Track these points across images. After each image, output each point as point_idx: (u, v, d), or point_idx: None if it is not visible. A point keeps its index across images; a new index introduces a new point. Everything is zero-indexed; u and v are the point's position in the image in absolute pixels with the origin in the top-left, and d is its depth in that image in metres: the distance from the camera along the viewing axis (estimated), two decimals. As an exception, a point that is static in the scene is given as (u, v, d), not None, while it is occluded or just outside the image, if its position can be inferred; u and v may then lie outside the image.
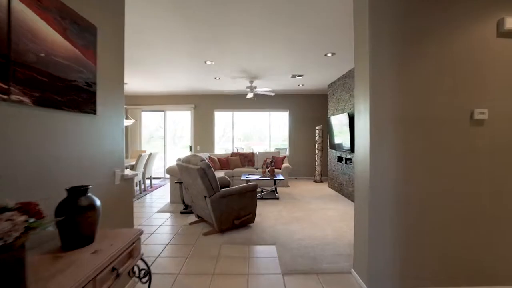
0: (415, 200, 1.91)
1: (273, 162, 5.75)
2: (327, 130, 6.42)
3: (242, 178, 5.36)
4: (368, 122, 1.93)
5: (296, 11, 2.74)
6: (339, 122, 5.40)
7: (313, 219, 3.80)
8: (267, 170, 5.57)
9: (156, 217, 3.99)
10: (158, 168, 7.96)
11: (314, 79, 5.87)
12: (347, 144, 5.04)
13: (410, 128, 1.90)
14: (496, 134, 1.90)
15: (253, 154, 7.06)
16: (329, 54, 4.10)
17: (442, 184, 1.90)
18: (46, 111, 1.23)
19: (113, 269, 1.06)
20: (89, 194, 1.19)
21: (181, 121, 8.86)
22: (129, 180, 2.04)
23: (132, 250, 1.24)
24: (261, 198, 5.05)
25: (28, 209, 0.82)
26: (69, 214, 1.10)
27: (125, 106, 6.99)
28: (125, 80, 5.93)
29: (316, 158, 7.16)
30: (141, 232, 1.32)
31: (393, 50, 1.89)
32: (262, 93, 6.08)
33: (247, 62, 4.56)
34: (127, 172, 2.07)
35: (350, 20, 2.86)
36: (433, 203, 1.91)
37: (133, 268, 1.29)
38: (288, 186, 6.43)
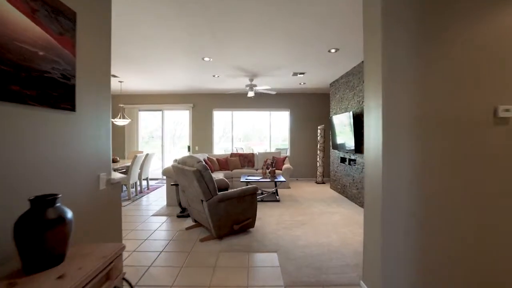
0: (435, 208, 1.71)
1: (273, 163, 5.56)
2: (329, 130, 6.23)
3: (241, 180, 5.17)
4: (381, 120, 1.73)
5: (298, 3, 2.55)
6: (342, 122, 5.20)
7: (317, 224, 3.61)
8: (267, 171, 5.38)
9: (152, 221, 3.80)
10: (156, 169, 7.77)
11: (316, 77, 5.68)
12: (351, 144, 4.85)
13: (429, 126, 1.71)
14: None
15: (253, 154, 6.87)
16: (333, 50, 3.91)
17: (466, 188, 1.71)
18: (6, 105, 1.04)
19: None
20: (58, 204, 1.00)
21: (181, 120, 8.66)
22: (116, 185, 1.85)
23: (111, 271, 1.05)
24: (262, 201, 4.86)
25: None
26: (32, 229, 0.91)
27: (121, 105, 6.86)
28: (121, 78, 5.76)
29: (318, 158, 6.96)
30: (122, 248, 1.13)
31: (410, 39, 1.70)
32: (262, 91, 5.88)
33: (246, 59, 4.37)
34: (115, 175, 1.88)
35: (356, 9, 2.67)
36: (457, 214, 1.71)
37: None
38: (289, 187, 6.24)
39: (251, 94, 5.76)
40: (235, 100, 7.55)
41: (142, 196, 5.45)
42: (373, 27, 1.84)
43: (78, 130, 1.46)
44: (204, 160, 5.99)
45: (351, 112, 4.72)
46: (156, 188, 6.30)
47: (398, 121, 1.72)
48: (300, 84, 6.33)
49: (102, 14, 1.69)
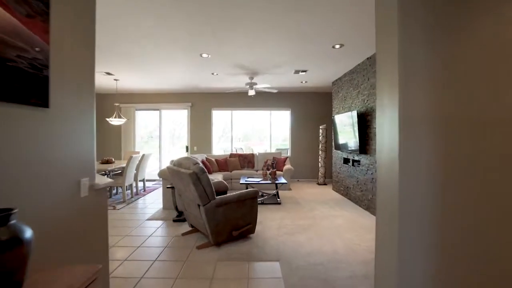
0: (461, 216, 1.52)
1: (274, 163, 5.37)
2: (332, 129, 6.04)
3: (241, 182, 4.98)
4: (397, 119, 1.55)
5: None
6: (345, 121, 5.01)
7: (320, 228, 3.42)
8: (268, 172, 5.19)
9: (146, 225, 3.61)
10: (153, 170, 7.57)
11: (318, 75, 5.48)
12: (355, 144, 4.66)
13: (451, 127, 1.52)
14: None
15: (253, 155, 6.68)
16: (337, 46, 3.72)
17: (492, 196, 1.52)
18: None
19: None
20: (13, 222, 0.81)
21: (180, 120, 8.46)
22: (101, 191, 1.65)
23: (82, 301, 0.86)
24: (262, 203, 4.67)
25: None
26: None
27: (117, 104, 6.64)
28: (116, 76, 5.55)
29: (320, 159, 6.77)
30: (97, 271, 0.94)
31: (426, 37, 1.51)
32: (263, 89, 5.69)
33: (246, 56, 4.18)
34: (101, 180, 1.68)
35: (360, 3, 2.48)
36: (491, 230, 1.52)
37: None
38: (290, 189, 6.05)
39: (251, 92, 5.56)
40: (234, 99, 7.35)
41: (138, 199, 5.25)
42: (388, 26, 1.65)
43: (53, 129, 1.26)
44: (203, 161, 5.79)
45: (355, 111, 4.53)
46: (153, 190, 6.10)
47: (416, 120, 1.53)
48: (301, 82, 6.14)
49: (83, -2, 1.49)
